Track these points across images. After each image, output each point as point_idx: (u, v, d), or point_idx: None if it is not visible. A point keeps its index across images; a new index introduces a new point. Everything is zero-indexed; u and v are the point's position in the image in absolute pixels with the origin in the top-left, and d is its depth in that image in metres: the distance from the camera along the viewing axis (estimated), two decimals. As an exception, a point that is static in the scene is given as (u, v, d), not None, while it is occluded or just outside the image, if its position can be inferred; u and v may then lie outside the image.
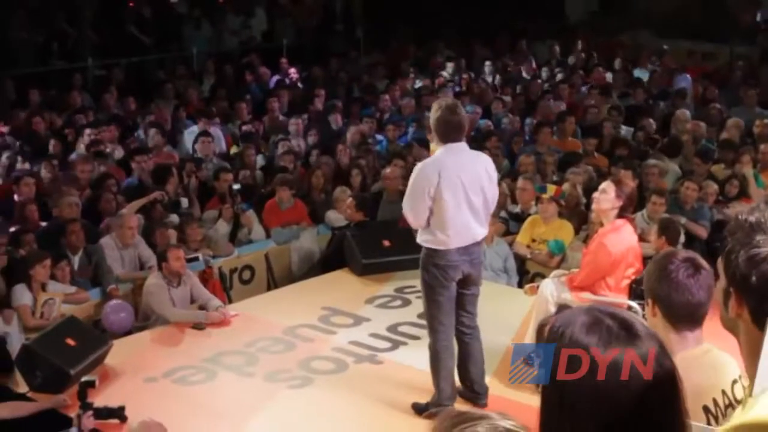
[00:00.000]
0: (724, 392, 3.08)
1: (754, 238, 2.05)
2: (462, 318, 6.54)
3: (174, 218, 9.46)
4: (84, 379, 6.03)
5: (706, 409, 3.07)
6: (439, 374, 6.48)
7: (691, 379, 2.94)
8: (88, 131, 11.43)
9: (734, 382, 3.08)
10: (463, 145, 6.35)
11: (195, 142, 11.52)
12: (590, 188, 8.61)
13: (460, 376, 6.63)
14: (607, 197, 6.72)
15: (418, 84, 15.64)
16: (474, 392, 6.65)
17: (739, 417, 2.13)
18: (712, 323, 3.03)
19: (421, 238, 6.41)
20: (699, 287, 3.15)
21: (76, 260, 8.56)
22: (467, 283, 6.46)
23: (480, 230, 6.45)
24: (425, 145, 10.31)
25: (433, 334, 6.47)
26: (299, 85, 15.51)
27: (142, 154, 10.64)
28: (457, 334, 6.55)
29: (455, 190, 6.20)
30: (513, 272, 9.06)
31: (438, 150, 6.32)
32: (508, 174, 10.73)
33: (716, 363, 3.15)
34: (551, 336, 1.90)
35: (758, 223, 2.07)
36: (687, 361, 3.04)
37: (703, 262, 3.25)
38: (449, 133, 6.24)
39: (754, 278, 2.00)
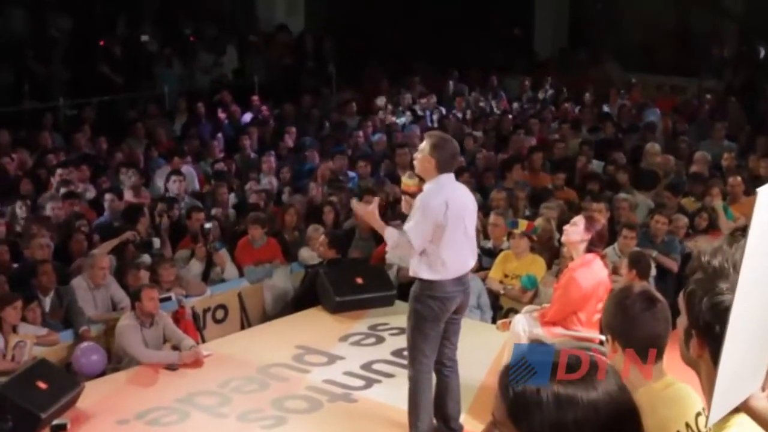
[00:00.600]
0: (688, 425, 3.09)
1: (717, 285, 2.00)
2: (444, 349, 6.50)
3: (146, 258, 9.41)
4: (55, 422, 5.98)
5: (671, 442, 3.10)
6: (418, 407, 6.43)
7: (655, 412, 2.98)
8: (59, 171, 11.40)
9: (698, 414, 3.10)
10: (452, 176, 6.38)
11: (167, 181, 11.51)
12: (563, 222, 8.65)
13: (437, 412, 6.59)
14: (576, 230, 6.78)
15: (390, 120, 15.70)
16: (450, 429, 6.63)
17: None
18: (674, 356, 3.07)
19: (416, 269, 6.32)
20: (656, 320, 3.19)
21: (47, 302, 8.48)
22: (457, 311, 6.46)
23: (472, 261, 6.50)
24: (397, 181, 10.33)
25: (415, 366, 6.40)
26: (271, 122, 15.52)
27: (112, 193, 10.62)
28: (437, 368, 6.51)
29: (457, 220, 6.22)
30: (486, 308, 9.07)
31: (430, 181, 6.25)
32: (480, 209, 10.75)
33: (679, 396, 3.18)
34: None
35: (721, 268, 2.01)
36: (650, 394, 3.07)
37: (658, 295, 3.28)
38: (448, 164, 6.26)
39: (717, 327, 1.95)
